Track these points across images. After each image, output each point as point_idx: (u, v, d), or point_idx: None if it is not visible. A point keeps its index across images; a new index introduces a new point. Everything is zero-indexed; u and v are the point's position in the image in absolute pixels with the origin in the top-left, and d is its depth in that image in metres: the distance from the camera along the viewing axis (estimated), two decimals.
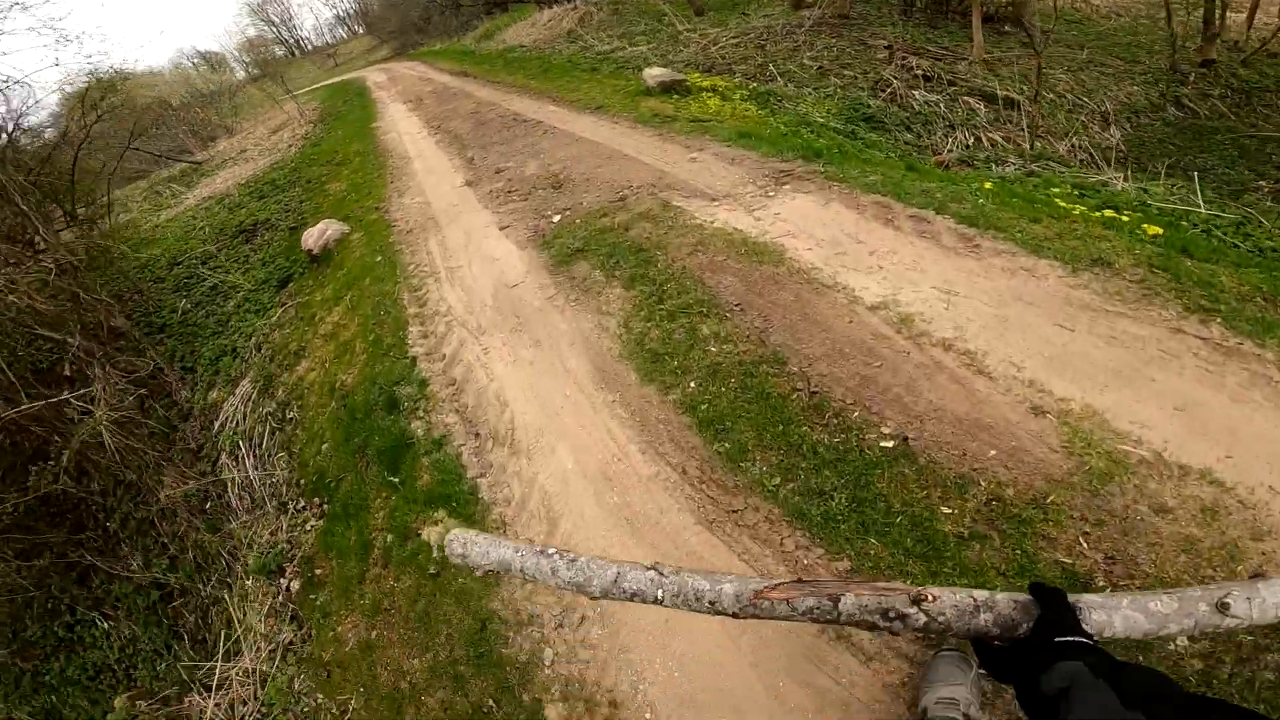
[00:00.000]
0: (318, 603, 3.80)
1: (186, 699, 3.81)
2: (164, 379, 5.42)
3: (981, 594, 1.09)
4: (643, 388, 3.63)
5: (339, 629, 3.56)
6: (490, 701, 2.86)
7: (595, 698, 2.72)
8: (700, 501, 3.10)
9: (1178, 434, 2.62)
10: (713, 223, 4.60)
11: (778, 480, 3.03)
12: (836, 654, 2.53)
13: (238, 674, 3.78)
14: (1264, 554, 2.20)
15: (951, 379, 3.25)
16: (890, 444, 3.03)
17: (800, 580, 1.20)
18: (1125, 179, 4.68)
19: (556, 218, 5.07)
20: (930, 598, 1.08)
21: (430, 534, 3.59)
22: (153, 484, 5.07)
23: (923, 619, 1.09)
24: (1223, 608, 1.06)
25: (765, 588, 1.21)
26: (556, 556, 1.40)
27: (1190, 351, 2.90)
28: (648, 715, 2.60)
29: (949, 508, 2.70)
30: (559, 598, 3.05)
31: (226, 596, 4.18)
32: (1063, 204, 4.12)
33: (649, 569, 1.32)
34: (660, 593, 1.30)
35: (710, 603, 1.25)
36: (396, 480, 3.85)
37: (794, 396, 3.34)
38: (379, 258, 5.06)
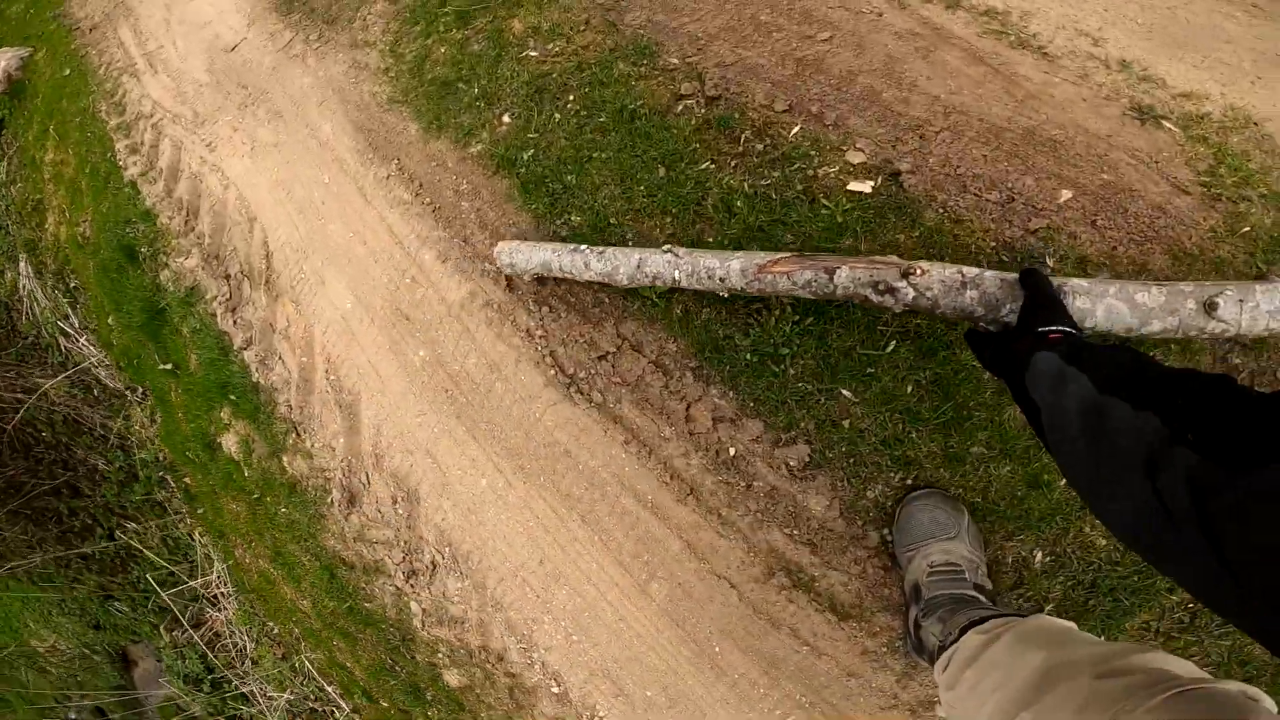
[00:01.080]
0: (207, 518, 2.99)
1: (208, 615, 3.44)
2: None
3: (970, 270, 1.04)
4: (430, 142, 1.98)
5: (237, 553, 2.82)
6: (388, 660, 2.12)
7: (489, 669, 1.86)
8: (546, 339, 1.67)
9: None
10: None
11: None
12: (795, 609, 1.47)
13: (219, 585, 3.29)
14: None
15: (970, 57, 1.62)
16: (866, 186, 1.48)
17: (800, 253, 1.19)
18: None
19: None
20: (919, 271, 1.06)
21: (229, 444, 2.42)
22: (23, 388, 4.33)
23: (911, 293, 1.07)
24: (1210, 308, 0.97)
25: (768, 262, 1.21)
26: (587, 251, 1.41)
27: None
28: (555, 689, 1.75)
29: None
30: (395, 532, 1.98)
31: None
32: None
33: (665, 252, 1.31)
34: (677, 273, 1.29)
35: (720, 279, 1.25)
36: (170, 366, 2.62)
37: (680, 111, 1.67)
38: (67, 70, 3.44)
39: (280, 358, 2.17)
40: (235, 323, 2.30)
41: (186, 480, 3.09)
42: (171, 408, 2.78)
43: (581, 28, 1.89)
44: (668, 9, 1.83)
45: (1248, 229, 1.35)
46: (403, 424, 1.89)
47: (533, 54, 1.90)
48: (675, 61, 1.73)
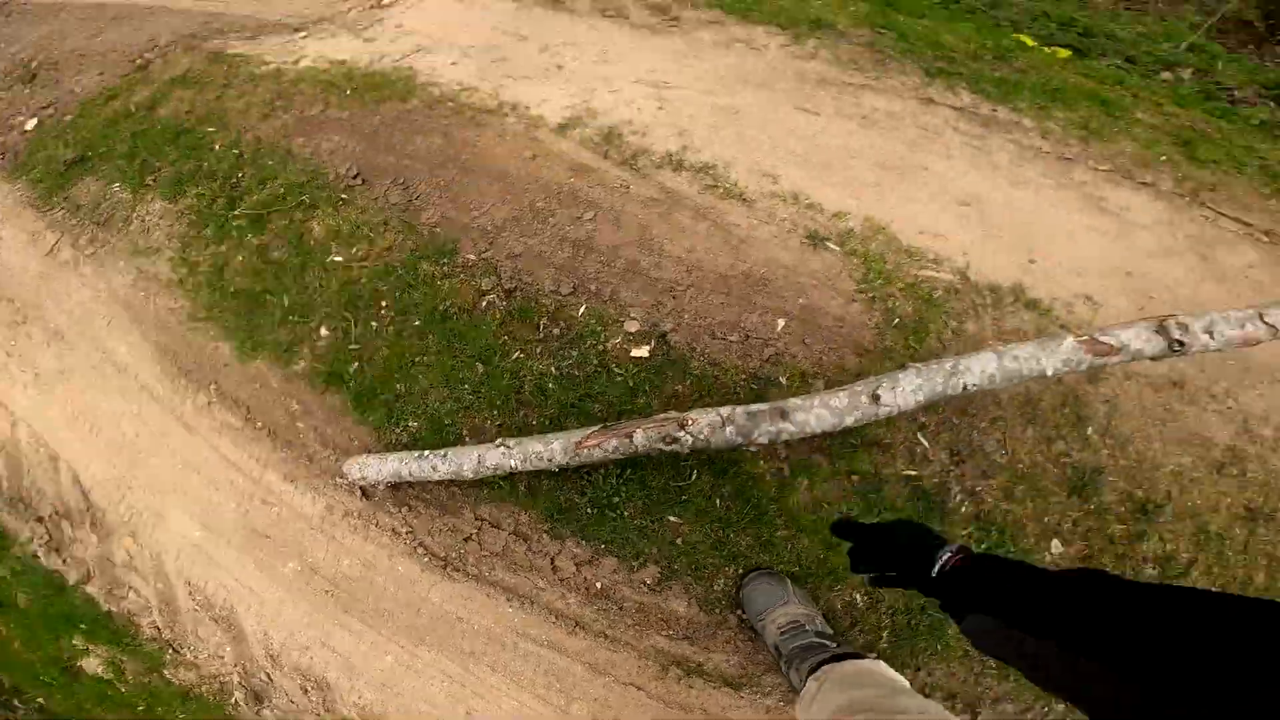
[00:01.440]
0: None
1: None
2: None
3: (725, 410, 1.35)
4: (248, 363, 2.03)
5: None
6: None
7: None
8: (413, 533, 1.88)
9: (974, 241, 2.01)
10: (298, 63, 2.89)
11: None
12: (697, 692, 1.79)
13: None
14: (1109, 400, 1.78)
15: (696, 215, 2.01)
16: (644, 350, 1.82)
17: (604, 427, 1.42)
18: None
19: (33, 123, 2.76)
20: (691, 421, 1.34)
21: (92, 666, 2.37)
22: None
23: (689, 439, 1.34)
24: (875, 399, 1.29)
25: (582, 439, 1.45)
26: (432, 456, 1.59)
27: (950, 126, 2.27)
28: None
29: None
30: (315, 716, 2.13)
31: None
32: None
33: (499, 446, 1.52)
34: (512, 462, 1.52)
35: (549, 459, 1.50)
36: None
37: (485, 306, 1.91)
38: None
39: (131, 588, 2.16)
40: (65, 561, 2.22)
41: (41, 700, 2.90)
42: (3, 640, 2.59)
43: (382, 229, 2.03)
44: (457, 204, 2.02)
45: (898, 320, 1.85)
46: (290, 627, 2.01)
47: (338, 259, 2.01)
48: (473, 258, 1.95)
